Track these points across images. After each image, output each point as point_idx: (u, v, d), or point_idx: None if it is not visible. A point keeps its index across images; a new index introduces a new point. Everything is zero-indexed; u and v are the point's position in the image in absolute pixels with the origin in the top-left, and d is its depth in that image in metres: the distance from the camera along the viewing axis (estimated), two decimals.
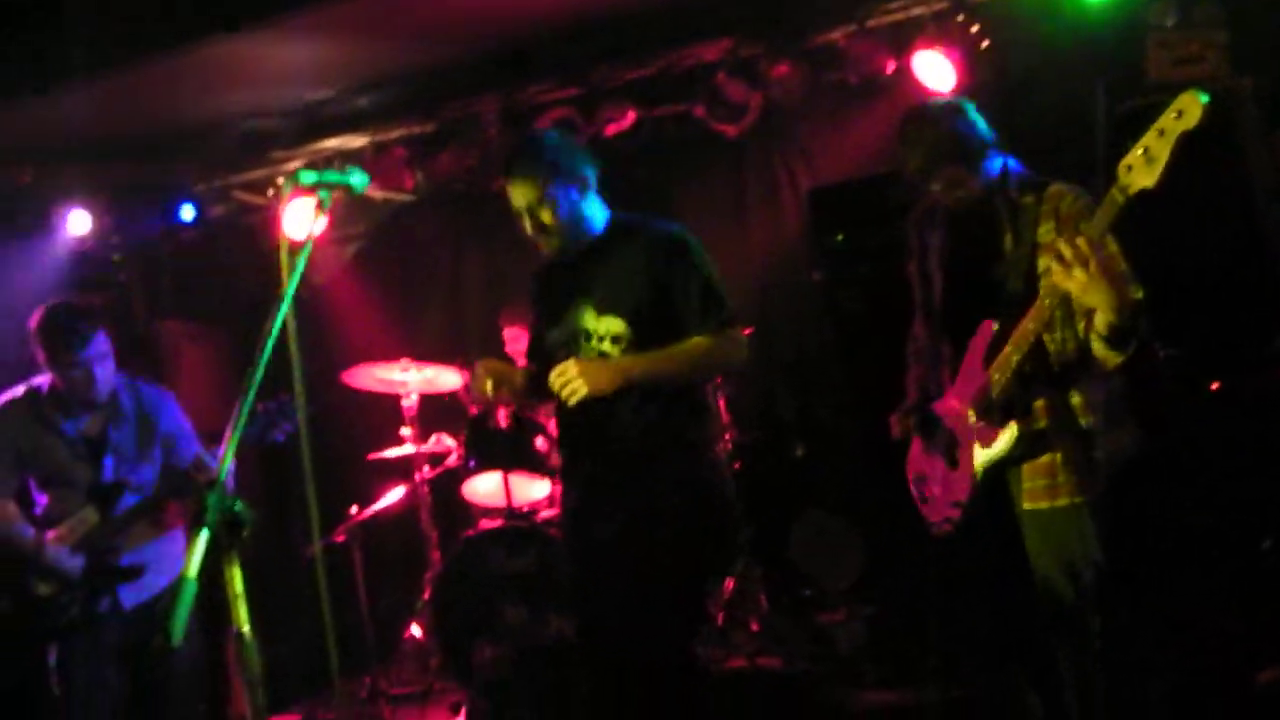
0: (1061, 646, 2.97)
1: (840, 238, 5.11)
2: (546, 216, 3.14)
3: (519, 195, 3.16)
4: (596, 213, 3.26)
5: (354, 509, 5.39)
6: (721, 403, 5.22)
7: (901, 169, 3.21)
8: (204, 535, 1.60)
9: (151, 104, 5.58)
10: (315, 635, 5.43)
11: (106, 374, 3.88)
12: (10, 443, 3.87)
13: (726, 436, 5.22)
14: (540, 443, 5.12)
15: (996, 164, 3.11)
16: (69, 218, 6.12)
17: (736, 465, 5.25)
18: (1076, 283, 2.63)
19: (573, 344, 3.18)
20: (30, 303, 3.98)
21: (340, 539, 5.36)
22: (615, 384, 3.00)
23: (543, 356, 3.33)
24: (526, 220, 3.18)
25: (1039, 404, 2.98)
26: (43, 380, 3.92)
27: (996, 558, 3.09)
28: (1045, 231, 2.97)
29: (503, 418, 5.15)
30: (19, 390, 3.94)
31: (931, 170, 3.11)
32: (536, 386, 3.28)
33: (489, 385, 3.20)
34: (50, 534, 3.78)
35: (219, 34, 4.78)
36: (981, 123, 3.14)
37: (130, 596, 3.82)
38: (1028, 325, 2.88)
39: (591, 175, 3.22)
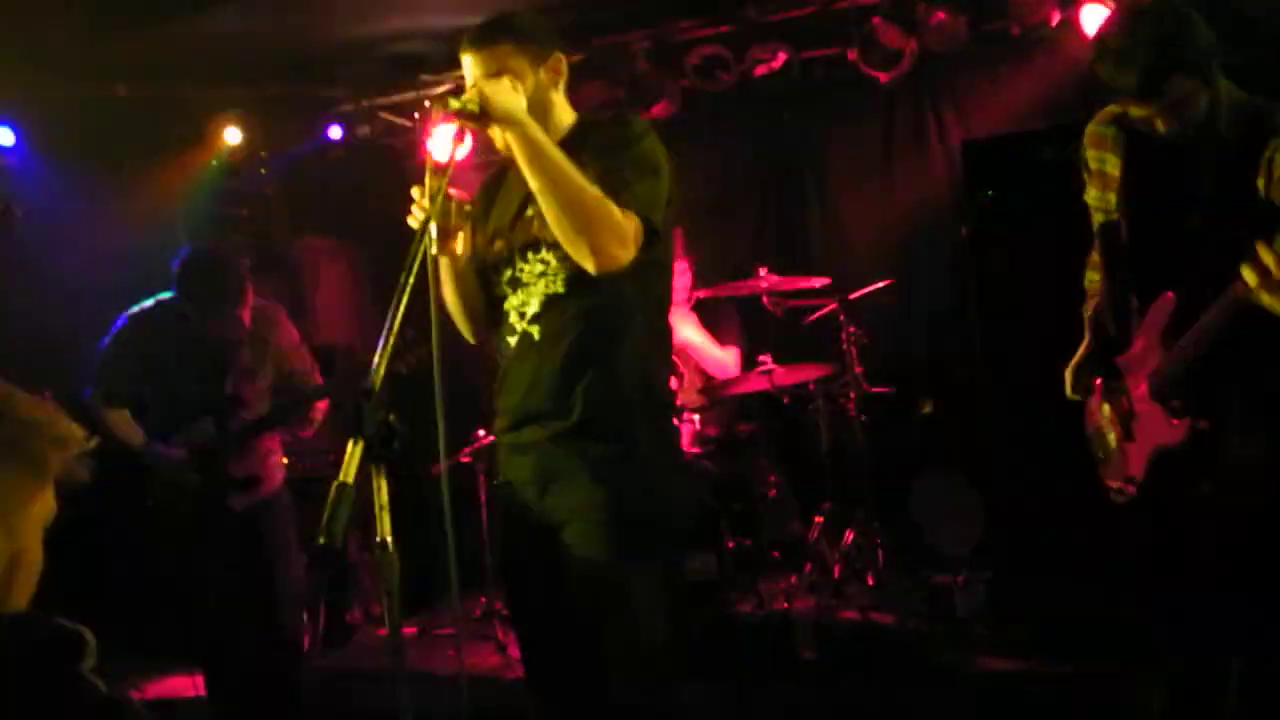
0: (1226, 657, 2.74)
1: (990, 194, 4.97)
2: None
3: (476, 65, 2.61)
4: (564, 111, 2.73)
5: (480, 432, 5.47)
6: (854, 353, 5.14)
7: (1113, 83, 2.55)
8: (359, 445, 1.62)
9: (305, 24, 5.69)
10: (435, 552, 5.61)
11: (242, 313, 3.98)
12: (135, 353, 3.99)
13: (856, 386, 5.15)
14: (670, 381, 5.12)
15: (1214, 86, 2.54)
16: (222, 132, 6.27)
17: (863, 418, 5.18)
18: (1275, 300, 2.22)
19: (517, 256, 2.68)
20: (180, 214, 4.11)
21: (465, 460, 5.46)
22: (506, 112, 2.42)
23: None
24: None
25: (1223, 399, 2.63)
26: (173, 295, 4.03)
27: (1168, 544, 2.80)
28: (1258, 186, 2.48)
29: None
30: (149, 303, 4.04)
31: (1157, 88, 2.48)
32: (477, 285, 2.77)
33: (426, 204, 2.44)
34: (166, 443, 3.92)
35: None
36: (1207, 28, 2.53)
37: (239, 503, 3.98)
38: (1212, 317, 2.49)
39: (561, 60, 2.70)
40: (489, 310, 2.76)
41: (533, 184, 2.47)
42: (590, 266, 2.46)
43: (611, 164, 2.54)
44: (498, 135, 2.49)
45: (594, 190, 2.44)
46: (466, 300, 2.76)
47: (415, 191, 2.47)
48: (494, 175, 2.85)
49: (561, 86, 2.71)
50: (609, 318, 2.60)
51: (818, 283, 5.15)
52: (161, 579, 3.99)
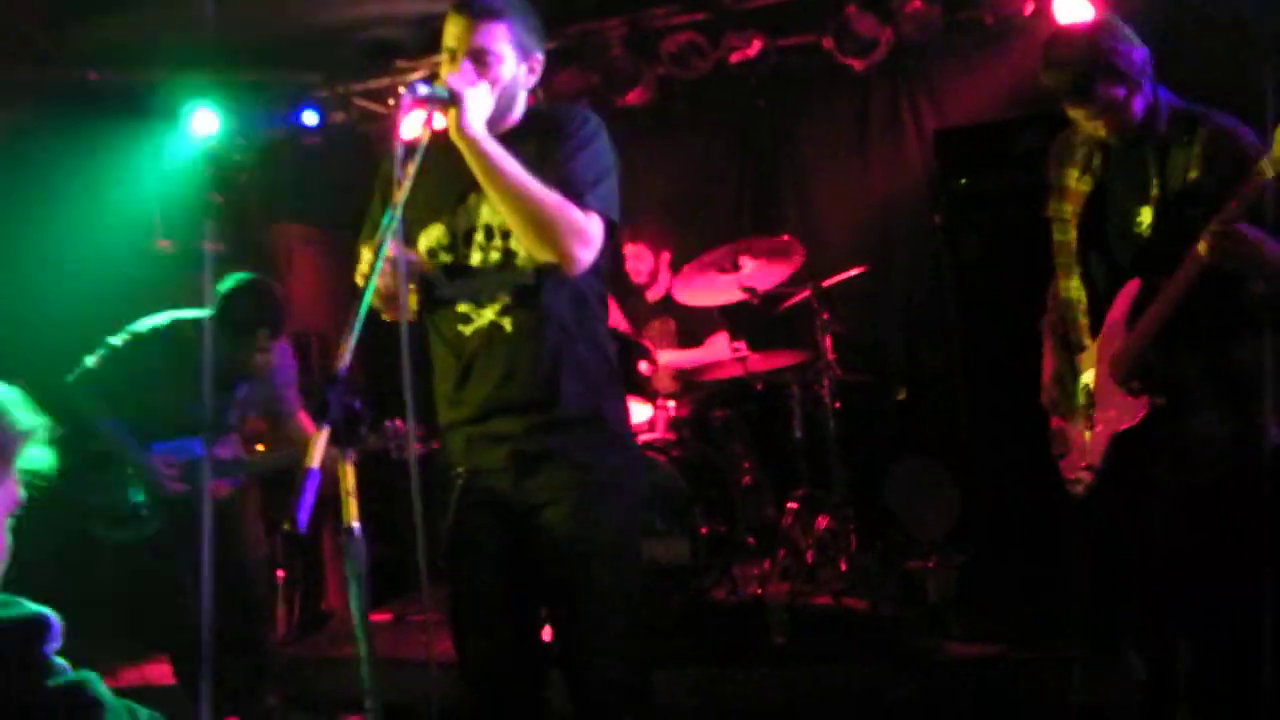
0: (1195, 634, 2.80)
1: (964, 181, 4.99)
2: (487, 73, 2.52)
3: (465, 34, 2.53)
4: (521, 102, 2.70)
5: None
6: (828, 341, 5.17)
7: (1053, 88, 2.84)
8: (324, 430, 1.62)
9: (279, 10, 5.65)
10: (407, 537, 5.60)
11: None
12: (144, 365, 3.94)
13: (830, 373, 5.18)
14: (644, 367, 5.13)
15: (1149, 93, 2.81)
16: (197, 117, 6.24)
17: (837, 404, 5.21)
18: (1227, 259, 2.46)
19: (460, 243, 2.64)
20: (157, 199, 4.10)
21: (437, 445, 5.44)
22: (474, 119, 2.39)
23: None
24: (447, 63, 2.56)
25: (1178, 373, 2.77)
26: (196, 314, 4.01)
27: (1127, 527, 2.90)
28: (1195, 176, 2.72)
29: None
30: (163, 319, 4.00)
31: (1087, 92, 2.77)
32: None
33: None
34: (157, 455, 3.91)
35: None
36: (1139, 43, 2.82)
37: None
38: (1170, 290, 2.68)
39: (540, 62, 2.68)
40: (420, 293, 2.67)
41: (492, 195, 2.49)
42: (565, 265, 2.51)
43: (568, 162, 2.56)
44: (451, 126, 2.44)
45: (553, 197, 2.46)
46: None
47: (359, 275, 2.48)
48: (427, 148, 2.40)
49: (533, 83, 2.70)
50: (577, 308, 2.64)
51: (791, 243, 5.17)
52: (134, 565, 3.98)
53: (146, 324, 3.98)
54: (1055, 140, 3.09)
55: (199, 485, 3.87)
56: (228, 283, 4.01)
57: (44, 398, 1.66)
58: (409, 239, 2.66)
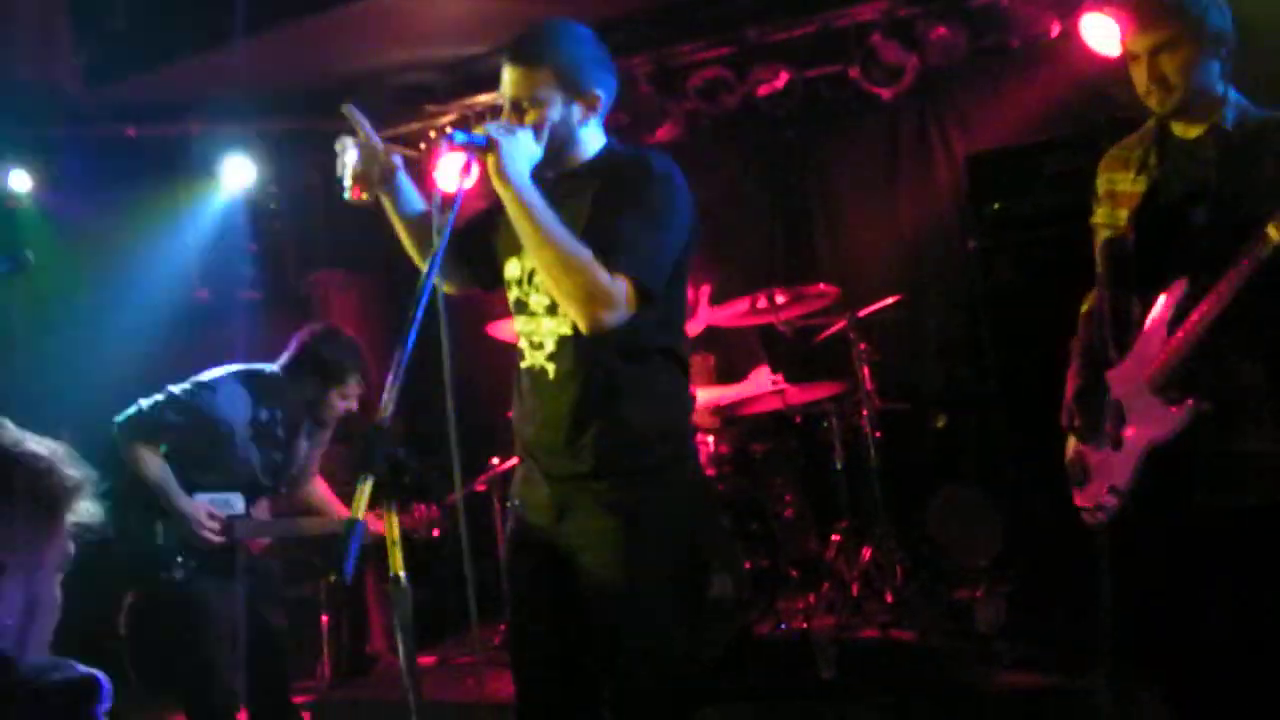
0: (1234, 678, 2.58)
1: (997, 206, 4.98)
2: (531, 121, 2.54)
3: (513, 83, 2.56)
4: (593, 139, 2.67)
5: (495, 460, 5.48)
6: (866, 371, 5.14)
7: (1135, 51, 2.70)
8: (368, 481, 1.63)
9: (312, 58, 5.75)
10: (453, 580, 5.60)
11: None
12: (197, 415, 3.87)
13: (869, 403, 5.15)
14: None
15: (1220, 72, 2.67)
16: (231, 167, 6.32)
17: (877, 434, 5.18)
18: None
19: (526, 282, 2.67)
20: (195, 249, 4.13)
21: (481, 488, 5.47)
22: (505, 172, 2.39)
23: (491, 267, 2.81)
24: (508, 115, 2.58)
25: (1230, 380, 2.57)
26: (263, 367, 4.03)
27: (1159, 557, 2.68)
28: (1263, 170, 2.56)
29: None
30: (228, 370, 3.98)
31: (1195, 61, 2.63)
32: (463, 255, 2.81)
33: (347, 154, 2.59)
34: (202, 504, 3.86)
35: None
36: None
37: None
38: (1226, 286, 2.49)
39: (608, 99, 2.65)
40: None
41: (524, 243, 2.48)
42: (581, 326, 2.47)
43: (614, 218, 2.50)
44: (490, 172, 2.45)
45: (582, 254, 2.41)
46: (419, 246, 2.78)
47: (338, 142, 2.58)
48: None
49: (594, 120, 2.64)
50: (617, 365, 2.58)
51: (828, 291, 5.15)
52: (161, 616, 3.93)
53: (208, 375, 3.97)
54: (1105, 155, 2.94)
55: (237, 541, 3.85)
56: (306, 333, 4.04)
57: (89, 444, 1.67)
58: (501, 264, 2.74)
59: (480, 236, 2.81)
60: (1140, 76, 2.73)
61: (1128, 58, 2.78)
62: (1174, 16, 2.67)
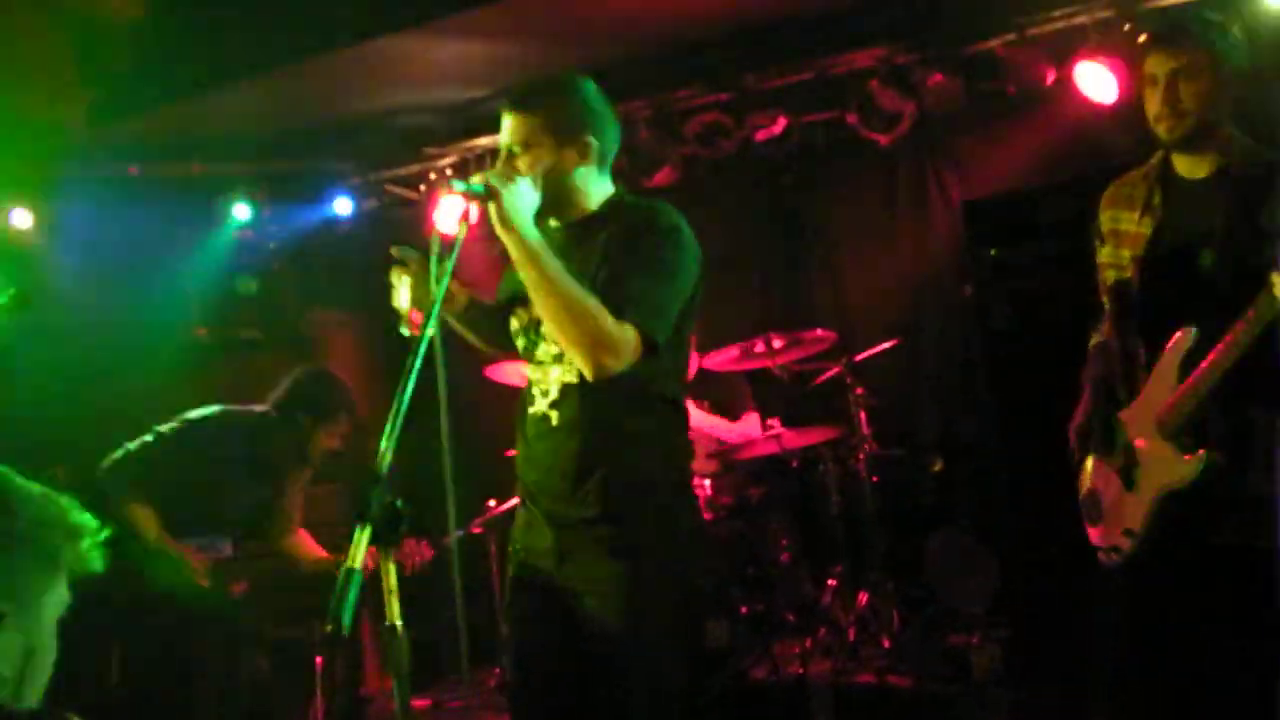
0: None
1: (994, 252, 5.02)
2: (523, 166, 2.57)
3: (508, 130, 2.61)
4: (596, 188, 2.69)
5: (491, 502, 5.47)
6: (863, 415, 5.15)
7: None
8: (365, 530, 1.63)
9: (312, 100, 5.80)
10: (447, 624, 5.58)
11: None
12: (183, 456, 3.91)
13: (865, 447, 5.15)
14: None
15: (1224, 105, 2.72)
16: (232, 208, 6.35)
17: (874, 479, 5.18)
18: None
19: (532, 331, 2.70)
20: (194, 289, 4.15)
21: (477, 531, 5.45)
22: (507, 219, 2.39)
23: (504, 328, 2.84)
24: (503, 162, 2.62)
25: (1241, 429, 2.58)
26: (252, 406, 4.04)
27: (1175, 599, 2.69)
28: (1271, 216, 2.55)
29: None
30: (213, 410, 4.01)
31: (1211, 92, 2.67)
32: (491, 328, 2.86)
33: (403, 287, 2.59)
34: (191, 550, 3.87)
35: (378, 34, 4.93)
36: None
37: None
38: (1237, 335, 2.48)
39: (606, 148, 2.66)
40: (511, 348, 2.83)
41: (529, 290, 2.49)
42: (585, 372, 2.48)
43: (622, 267, 2.52)
44: (492, 219, 2.47)
45: (588, 302, 2.42)
46: (476, 332, 2.89)
47: (394, 274, 2.58)
48: None
49: (591, 167, 2.65)
50: (621, 413, 2.60)
51: (825, 336, 5.17)
52: (160, 666, 3.93)
53: (196, 413, 3.98)
54: (1107, 191, 2.95)
55: (222, 585, 3.84)
56: (296, 373, 4.05)
57: (85, 485, 1.68)
58: (511, 310, 2.77)
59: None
60: (1154, 100, 2.75)
61: (1144, 81, 2.79)
62: (1199, 44, 2.71)
